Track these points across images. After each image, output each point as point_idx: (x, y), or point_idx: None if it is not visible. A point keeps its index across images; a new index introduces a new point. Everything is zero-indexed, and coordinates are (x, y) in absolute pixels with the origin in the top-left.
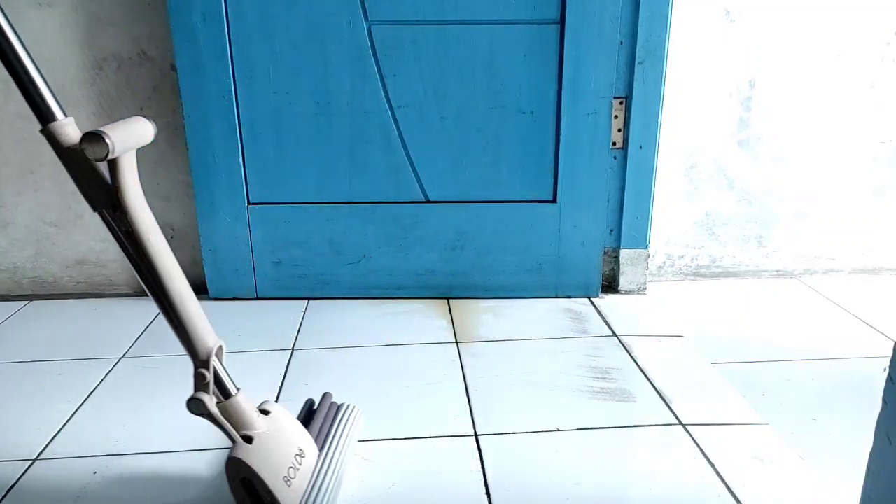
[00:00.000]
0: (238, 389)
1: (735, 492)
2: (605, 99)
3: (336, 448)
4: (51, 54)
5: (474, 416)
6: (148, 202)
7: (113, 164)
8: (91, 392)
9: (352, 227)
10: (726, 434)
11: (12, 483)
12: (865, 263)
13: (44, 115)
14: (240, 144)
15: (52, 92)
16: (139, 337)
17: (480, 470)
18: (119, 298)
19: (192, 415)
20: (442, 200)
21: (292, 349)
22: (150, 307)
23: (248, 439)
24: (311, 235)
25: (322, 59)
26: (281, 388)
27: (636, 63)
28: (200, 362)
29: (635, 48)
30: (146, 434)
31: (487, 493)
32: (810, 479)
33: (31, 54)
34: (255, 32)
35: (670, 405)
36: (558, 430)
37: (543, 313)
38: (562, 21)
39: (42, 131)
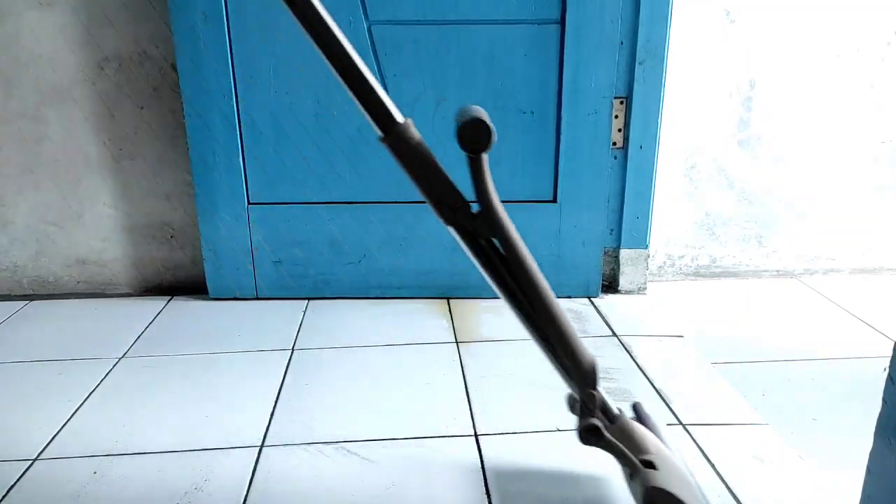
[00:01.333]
0: (619, 409)
1: (735, 492)
2: (606, 99)
3: (675, 451)
4: (51, 54)
5: (474, 415)
6: (149, 202)
7: (476, 161)
8: (91, 392)
9: (352, 226)
10: (726, 434)
11: (12, 483)
12: (865, 263)
13: (382, 120)
14: (240, 144)
15: (387, 93)
16: (139, 337)
17: (480, 470)
18: (119, 298)
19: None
20: None
21: (292, 349)
22: (150, 307)
23: (650, 464)
24: (312, 235)
25: (322, 59)
26: (281, 388)
27: (636, 63)
28: (589, 382)
29: (636, 48)
30: (146, 434)
31: (487, 493)
32: (810, 479)
33: (34, 55)
34: (255, 32)
35: (670, 405)
36: (558, 430)
37: None
38: (562, 21)
39: (383, 139)
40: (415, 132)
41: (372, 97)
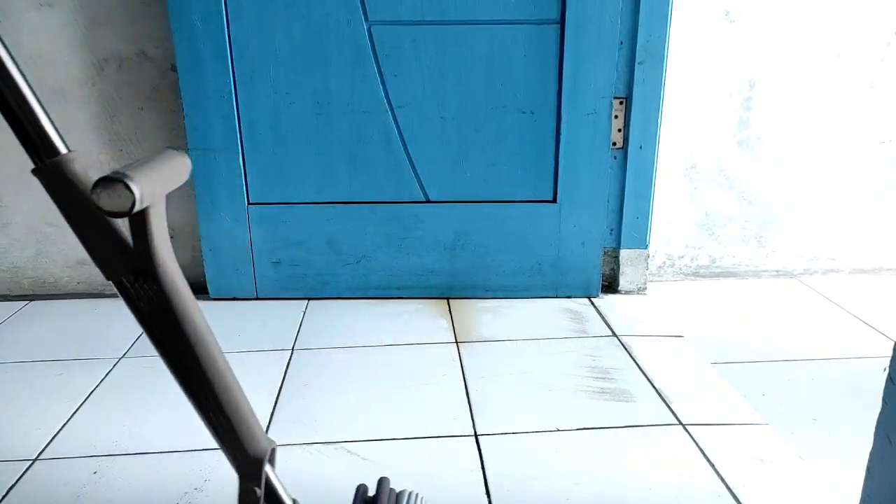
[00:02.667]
0: (294, 501)
1: (735, 492)
2: (605, 99)
3: None
4: (51, 54)
5: (474, 416)
6: None
7: (139, 217)
8: (91, 392)
9: (352, 227)
10: (726, 434)
11: (12, 483)
12: (865, 263)
13: (38, 147)
14: (240, 144)
15: (49, 117)
16: (139, 337)
17: (480, 470)
18: (119, 298)
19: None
20: (442, 200)
21: (292, 349)
22: None
23: None
24: (311, 235)
25: (322, 59)
26: (281, 388)
27: (636, 63)
28: (249, 473)
29: (635, 48)
30: (146, 434)
31: (487, 493)
32: (810, 479)
33: (34, 55)
34: (254, 32)
35: (670, 405)
36: (558, 430)
37: (543, 313)
38: (562, 21)
39: (35, 171)
40: (78, 168)
41: (29, 117)
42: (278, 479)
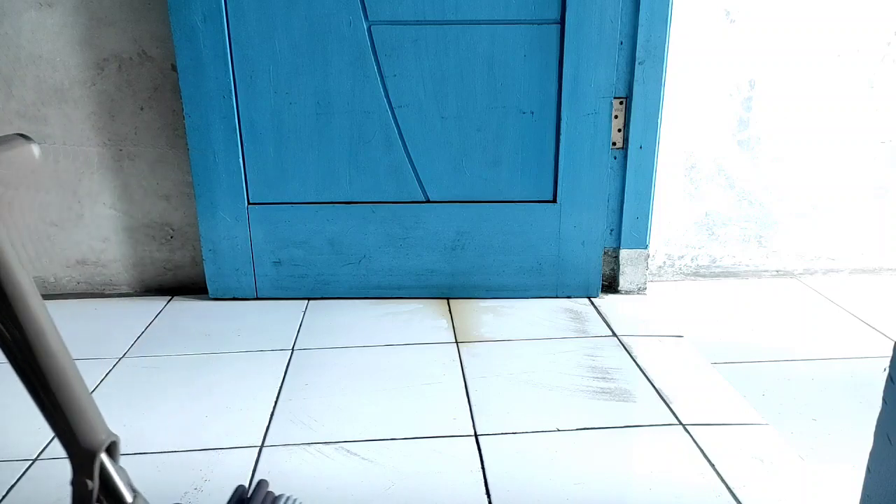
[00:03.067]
0: (136, 494)
1: (735, 492)
2: (606, 99)
3: None
4: (51, 54)
5: (474, 416)
6: (149, 202)
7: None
8: (91, 392)
9: (352, 227)
10: (726, 434)
11: (12, 483)
12: (865, 263)
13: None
14: (240, 144)
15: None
16: (139, 337)
17: (480, 470)
18: (119, 298)
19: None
20: (442, 200)
21: (292, 349)
22: (150, 307)
23: None
24: (312, 235)
25: (322, 59)
26: (281, 387)
27: (636, 63)
28: (82, 465)
29: (635, 48)
30: (146, 434)
31: (487, 492)
32: (810, 479)
33: (34, 55)
34: (255, 32)
35: (670, 405)
36: (558, 430)
37: (543, 313)
38: (562, 21)
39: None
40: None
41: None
42: (120, 472)
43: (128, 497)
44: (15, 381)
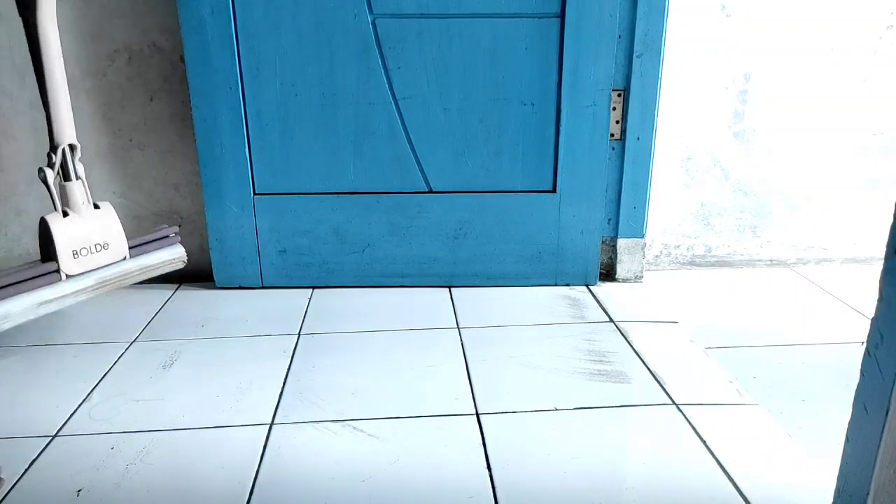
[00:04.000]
0: (80, 179)
1: (725, 466)
2: (604, 91)
3: (140, 258)
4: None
5: (475, 396)
6: (158, 191)
7: None
8: (105, 374)
9: (356, 216)
10: (718, 413)
11: (34, 458)
12: (857, 253)
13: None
14: (246, 135)
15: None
16: (149, 322)
17: (481, 445)
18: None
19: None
20: (445, 190)
21: (299, 333)
22: (158, 295)
23: (65, 213)
24: (317, 225)
25: (328, 52)
26: (288, 370)
27: (634, 56)
28: (52, 146)
29: (633, 42)
30: (158, 413)
31: (488, 465)
32: (796, 454)
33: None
34: (262, 25)
35: (664, 386)
36: (556, 409)
37: (543, 300)
38: (562, 15)
39: None
40: None
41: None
42: (75, 164)
43: (73, 177)
44: (33, 363)
